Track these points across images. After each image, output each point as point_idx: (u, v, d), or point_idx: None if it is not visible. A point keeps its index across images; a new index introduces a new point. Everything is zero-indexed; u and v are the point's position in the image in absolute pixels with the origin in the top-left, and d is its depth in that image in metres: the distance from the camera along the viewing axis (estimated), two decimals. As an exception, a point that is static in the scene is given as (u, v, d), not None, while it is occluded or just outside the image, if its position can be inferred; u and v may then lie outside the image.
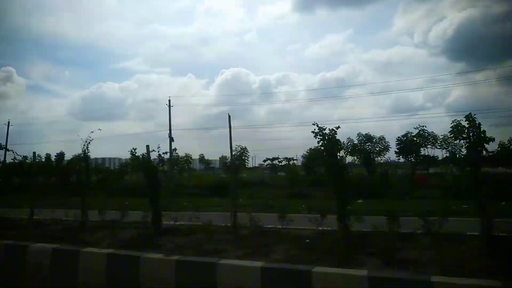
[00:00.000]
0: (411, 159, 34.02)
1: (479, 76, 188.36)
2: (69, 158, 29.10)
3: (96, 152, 61.34)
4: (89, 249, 6.39)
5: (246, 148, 30.75)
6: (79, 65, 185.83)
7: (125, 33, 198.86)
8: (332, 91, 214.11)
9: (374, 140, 38.48)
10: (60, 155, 32.50)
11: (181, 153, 44.15)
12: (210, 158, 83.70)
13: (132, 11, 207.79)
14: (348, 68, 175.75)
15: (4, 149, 13.20)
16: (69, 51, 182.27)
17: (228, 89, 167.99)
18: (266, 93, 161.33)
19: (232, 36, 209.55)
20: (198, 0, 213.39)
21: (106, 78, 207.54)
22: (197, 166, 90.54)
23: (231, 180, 10.90)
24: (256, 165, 70.51)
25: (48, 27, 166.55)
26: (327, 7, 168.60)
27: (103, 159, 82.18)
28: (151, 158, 8.67)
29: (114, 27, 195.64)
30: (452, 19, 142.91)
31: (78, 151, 11.05)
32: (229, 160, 8.10)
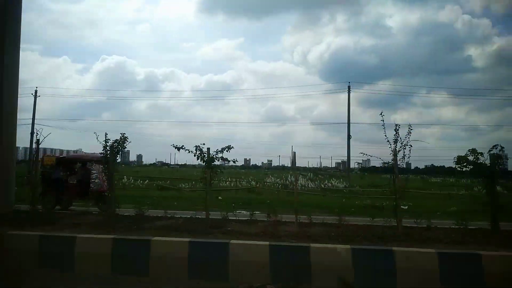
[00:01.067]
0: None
1: (343, 95, 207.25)
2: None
3: None
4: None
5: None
6: None
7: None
8: (216, 94, 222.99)
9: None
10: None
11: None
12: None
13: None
14: (235, 74, 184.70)
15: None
16: None
17: (108, 77, 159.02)
18: (150, 87, 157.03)
19: (124, 23, 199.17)
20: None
21: None
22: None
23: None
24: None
25: None
26: (228, 13, 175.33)
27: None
28: None
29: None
30: (329, 44, 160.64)
31: None
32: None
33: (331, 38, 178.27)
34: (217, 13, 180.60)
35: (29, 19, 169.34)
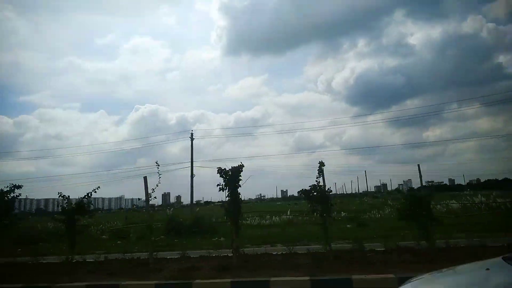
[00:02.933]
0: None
1: (370, 118, 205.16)
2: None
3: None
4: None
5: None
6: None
7: (36, 64, 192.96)
8: (245, 130, 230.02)
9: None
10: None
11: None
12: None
13: (49, 42, 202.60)
14: (262, 109, 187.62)
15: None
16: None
17: (141, 125, 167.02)
18: (182, 129, 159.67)
19: (154, 74, 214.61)
20: (124, 38, 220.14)
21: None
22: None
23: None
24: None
25: None
26: (251, 52, 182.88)
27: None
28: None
29: (23, 58, 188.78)
30: (353, 69, 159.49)
31: None
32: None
33: (354, 63, 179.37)
34: (242, 54, 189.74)
35: (69, 80, 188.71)
